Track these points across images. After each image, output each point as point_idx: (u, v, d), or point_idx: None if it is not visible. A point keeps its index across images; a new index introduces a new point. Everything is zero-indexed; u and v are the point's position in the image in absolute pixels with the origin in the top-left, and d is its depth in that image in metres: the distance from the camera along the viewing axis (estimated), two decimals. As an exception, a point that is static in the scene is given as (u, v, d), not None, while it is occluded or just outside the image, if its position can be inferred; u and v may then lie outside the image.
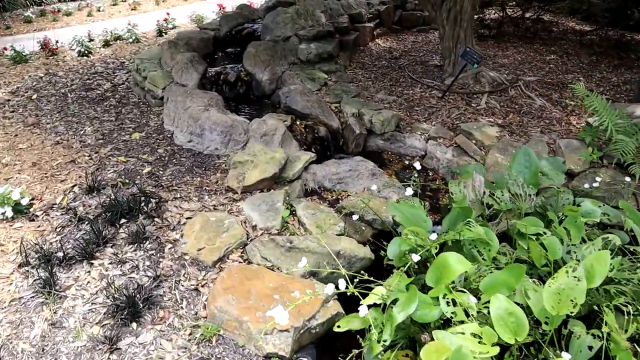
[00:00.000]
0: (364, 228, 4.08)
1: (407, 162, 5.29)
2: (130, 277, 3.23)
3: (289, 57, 6.58)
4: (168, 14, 10.08)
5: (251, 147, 4.42)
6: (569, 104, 5.87)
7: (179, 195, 4.14)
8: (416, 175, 4.08)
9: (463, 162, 4.84)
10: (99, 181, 4.26)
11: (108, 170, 4.54)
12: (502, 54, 7.62)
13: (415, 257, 2.77)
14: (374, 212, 4.04)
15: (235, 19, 7.39)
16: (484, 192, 3.67)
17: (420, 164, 5.26)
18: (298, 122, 5.22)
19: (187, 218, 3.83)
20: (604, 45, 8.10)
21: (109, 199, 3.99)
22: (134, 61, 6.56)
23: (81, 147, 4.97)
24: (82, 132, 5.29)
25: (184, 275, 3.27)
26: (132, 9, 12.00)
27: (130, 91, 6.41)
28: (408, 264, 2.81)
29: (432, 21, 9.44)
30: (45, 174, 4.45)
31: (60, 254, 3.38)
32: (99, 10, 11.52)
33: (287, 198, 4.12)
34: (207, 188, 4.30)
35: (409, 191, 3.44)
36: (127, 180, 4.35)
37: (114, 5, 12.28)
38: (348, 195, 4.49)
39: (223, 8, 10.57)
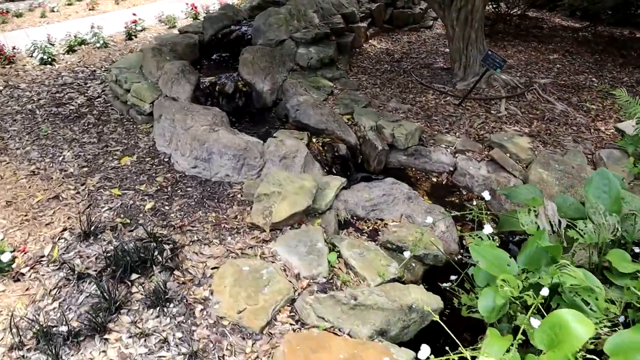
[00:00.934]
0: (414, 265, 3.57)
1: (434, 180, 4.82)
2: (160, 357, 2.58)
3: (287, 63, 5.97)
4: (134, 14, 9.17)
5: (275, 175, 3.81)
6: (591, 108, 5.57)
7: (196, 238, 3.48)
8: (475, 203, 3.62)
9: (502, 179, 4.41)
10: (93, 223, 3.53)
11: (102, 208, 3.80)
12: (504, 54, 7.28)
13: (535, 322, 2.27)
14: (424, 246, 3.54)
15: (220, 20, 6.68)
16: (559, 222, 3.23)
17: (450, 181, 4.84)
18: (314, 140, 4.64)
19: (212, 268, 3.19)
20: (600, 42, 7.94)
21: (112, 248, 3.29)
22: (111, 71, 5.75)
23: (63, 177, 4.19)
24: (60, 158, 4.50)
25: (227, 349, 2.65)
26: (90, 9, 10.94)
27: (109, 106, 5.61)
28: (521, 328, 2.32)
29: (422, 19, 9.05)
30: (25, 215, 3.67)
31: (64, 328, 2.69)
32: (53, 11, 10.40)
33: (325, 235, 3.54)
34: (226, 226, 3.65)
35: (488, 229, 2.95)
36: (128, 220, 3.64)
37: (69, 5, 11.15)
38: (385, 224, 3.97)
39: (195, 7, 9.75)
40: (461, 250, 3.93)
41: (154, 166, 4.43)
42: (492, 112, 5.49)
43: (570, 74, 6.53)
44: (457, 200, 4.52)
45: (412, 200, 4.13)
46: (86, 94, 5.86)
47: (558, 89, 6.02)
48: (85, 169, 4.35)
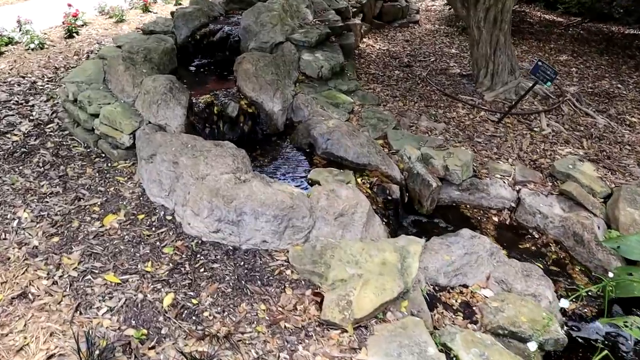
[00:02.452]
0: (533, 356, 2.77)
1: (495, 219, 4.04)
2: None
3: (292, 73, 4.90)
4: (70, 5, 7.52)
5: (346, 248, 2.83)
6: (633, 122, 5.04)
7: (254, 354, 2.44)
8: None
9: (584, 220, 3.71)
10: (94, 342, 2.37)
11: (98, 309, 2.63)
12: (512, 56, 6.65)
13: None
14: (544, 330, 2.77)
15: (196, 17, 5.43)
16: None
17: (513, 220, 4.08)
18: (359, 180, 3.68)
19: (298, 410, 2.19)
20: (599, 40, 7.55)
21: (135, 389, 2.18)
22: (65, 86, 4.40)
23: (26, 257, 2.93)
24: (14, 222, 3.21)
25: None
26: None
27: (67, 134, 4.28)
28: None
29: (408, 13, 8.23)
30: (-20, 336, 2.43)
31: None
32: (-44, -3, 8.45)
33: (425, 326, 2.64)
34: (287, 325, 2.63)
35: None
36: (144, 331, 2.52)
37: (-24, -11, 9.15)
38: (472, 292, 3.14)
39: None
40: (564, 318, 3.20)
41: (153, 229, 3.27)
42: (534, 129, 4.80)
43: (594, 80, 6.01)
44: (532, 247, 3.79)
45: (494, 257, 3.33)
46: (31, 118, 4.45)
47: (590, 98, 5.46)
48: (56, 238, 3.11)
